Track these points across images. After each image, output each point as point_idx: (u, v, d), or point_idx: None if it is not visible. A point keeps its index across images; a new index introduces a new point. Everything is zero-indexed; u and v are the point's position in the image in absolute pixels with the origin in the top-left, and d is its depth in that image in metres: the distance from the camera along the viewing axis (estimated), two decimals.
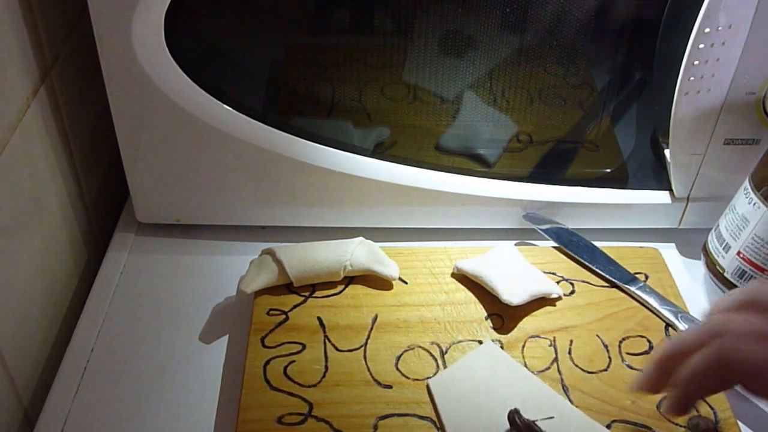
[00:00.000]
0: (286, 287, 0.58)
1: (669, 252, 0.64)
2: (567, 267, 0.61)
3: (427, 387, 0.51)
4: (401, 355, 0.53)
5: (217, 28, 0.57)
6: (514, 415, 0.47)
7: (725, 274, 0.58)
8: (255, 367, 0.52)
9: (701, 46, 0.54)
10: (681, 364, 0.44)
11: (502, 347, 0.54)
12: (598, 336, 0.55)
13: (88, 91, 0.65)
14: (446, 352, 0.54)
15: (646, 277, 0.60)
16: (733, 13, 0.52)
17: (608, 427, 0.49)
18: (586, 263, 0.61)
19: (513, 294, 0.55)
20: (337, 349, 0.53)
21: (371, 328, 0.55)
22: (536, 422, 0.47)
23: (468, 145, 0.63)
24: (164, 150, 0.60)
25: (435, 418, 0.49)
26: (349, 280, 0.59)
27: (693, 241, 0.65)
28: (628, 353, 0.54)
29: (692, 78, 0.55)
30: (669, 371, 0.45)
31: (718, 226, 0.60)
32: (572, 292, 0.59)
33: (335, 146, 0.61)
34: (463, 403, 0.49)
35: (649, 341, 0.55)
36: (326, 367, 0.52)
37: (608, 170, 0.64)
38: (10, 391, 0.52)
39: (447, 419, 0.48)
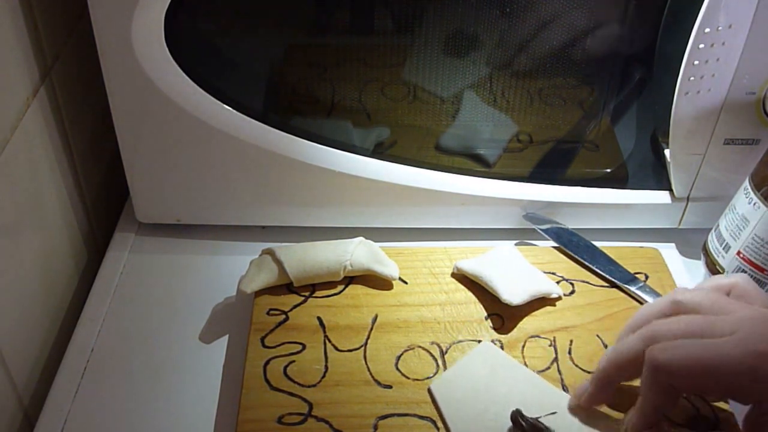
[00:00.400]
0: (286, 287, 0.58)
1: (669, 252, 0.64)
2: (567, 267, 0.61)
3: (429, 391, 0.50)
4: (401, 355, 0.53)
5: (217, 28, 0.57)
6: (517, 417, 0.47)
7: (725, 274, 0.58)
8: (255, 367, 0.52)
9: (701, 46, 0.54)
10: (619, 377, 0.47)
11: (502, 347, 0.54)
12: (598, 336, 0.55)
13: (88, 91, 0.65)
14: (446, 352, 0.54)
15: (646, 277, 0.60)
16: (733, 13, 0.52)
17: None
18: (586, 263, 0.61)
19: (513, 294, 0.55)
20: (337, 349, 0.53)
21: (371, 328, 0.55)
22: (540, 419, 0.47)
23: (468, 145, 0.64)
24: (164, 150, 0.60)
25: (434, 418, 0.49)
26: (349, 280, 0.59)
27: (693, 241, 0.65)
28: None
29: (692, 78, 0.55)
30: (607, 386, 0.47)
31: (718, 226, 0.60)
32: (572, 292, 0.59)
33: (335, 146, 0.61)
34: (466, 405, 0.49)
35: None
36: (326, 367, 0.52)
37: (608, 170, 0.64)
38: (10, 391, 0.52)
39: (451, 422, 0.48)
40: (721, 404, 0.50)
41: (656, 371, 0.43)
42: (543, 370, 0.52)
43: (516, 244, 0.65)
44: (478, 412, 0.49)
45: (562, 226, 0.64)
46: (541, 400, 0.50)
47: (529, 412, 0.47)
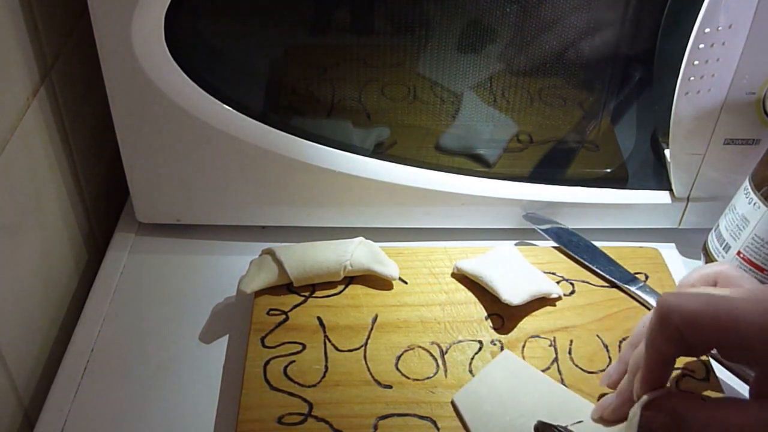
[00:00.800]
0: (286, 287, 0.58)
1: (669, 252, 0.64)
2: (567, 267, 0.61)
3: (452, 403, 0.50)
4: (401, 355, 0.53)
5: (217, 28, 0.57)
6: (542, 428, 0.47)
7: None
8: (255, 367, 0.52)
9: (701, 46, 0.54)
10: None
11: (502, 347, 0.54)
12: (598, 336, 0.55)
13: (88, 91, 0.65)
14: (446, 352, 0.54)
15: (646, 277, 0.60)
16: (733, 13, 0.52)
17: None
18: (586, 263, 0.61)
19: (513, 294, 0.55)
20: (337, 349, 0.53)
21: (371, 328, 0.55)
22: (568, 427, 0.47)
23: (468, 145, 0.64)
24: (164, 150, 0.60)
25: (434, 418, 0.49)
26: (349, 280, 0.59)
27: (693, 241, 0.65)
28: None
29: (692, 78, 0.55)
30: (632, 400, 0.46)
31: (718, 226, 0.60)
32: (572, 292, 0.59)
33: (335, 146, 0.61)
34: (493, 417, 0.49)
35: None
36: (326, 367, 0.52)
37: (608, 170, 0.64)
38: (10, 391, 0.52)
39: None
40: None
41: (667, 315, 0.41)
42: (543, 370, 0.52)
43: (516, 244, 0.65)
44: (505, 424, 0.48)
45: (562, 226, 0.64)
46: (567, 408, 0.49)
47: (556, 422, 0.47)
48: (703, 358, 0.53)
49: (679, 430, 0.41)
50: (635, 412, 0.43)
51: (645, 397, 0.43)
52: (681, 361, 0.53)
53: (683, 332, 0.41)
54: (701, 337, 0.41)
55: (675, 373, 0.52)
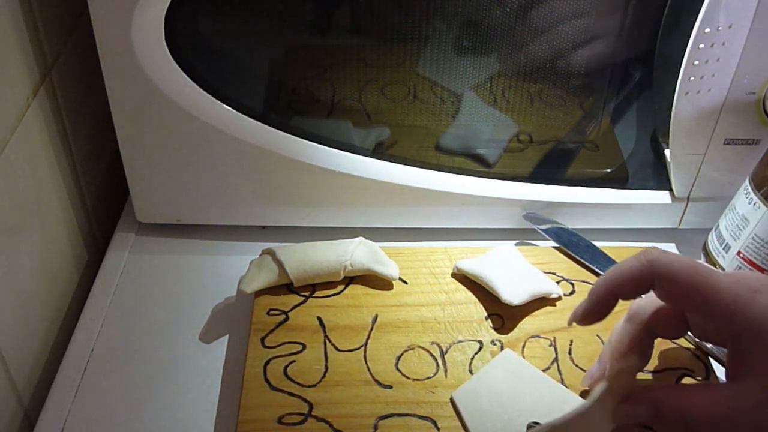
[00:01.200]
0: (286, 287, 0.58)
1: None
2: (567, 267, 0.61)
3: (451, 400, 0.50)
4: (401, 355, 0.53)
5: (217, 28, 0.57)
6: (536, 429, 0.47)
7: None
8: (255, 367, 0.52)
9: (701, 46, 0.54)
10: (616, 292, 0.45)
11: (502, 347, 0.54)
12: (598, 336, 0.55)
13: (88, 91, 0.65)
14: (446, 352, 0.54)
15: None
16: (733, 13, 0.52)
17: None
18: (586, 263, 0.61)
19: (513, 294, 0.55)
20: (337, 349, 0.53)
21: (371, 328, 0.55)
22: None
23: (468, 145, 0.64)
24: (164, 150, 0.60)
25: (434, 418, 0.49)
26: (349, 280, 0.59)
27: (693, 241, 0.65)
28: None
29: (692, 78, 0.55)
30: (606, 302, 0.46)
31: (718, 226, 0.60)
32: (572, 292, 0.59)
33: (335, 146, 0.61)
34: (492, 416, 0.49)
35: None
36: (326, 367, 0.52)
37: (608, 170, 0.64)
38: (10, 391, 0.52)
39: None
40: None
41: (651, 262, 0.42)
42: (543, 370, 0.52)
43: (516, 244, 0.65)
44: (504, 423, 0.48)
45: (562, 226, 0.64)
46: (566, 409, 0.49)
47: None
48: (690, 344, 0.53)
49: (656, 420, 0.43)
50: (597, 391, 0.44)
51: (603, 383, 0.44)
52: (681, 361, 0.53)
53: (661, 282, 0.42)
54: (676, 292, 0.42)
55: (675, 373, 0.52)
